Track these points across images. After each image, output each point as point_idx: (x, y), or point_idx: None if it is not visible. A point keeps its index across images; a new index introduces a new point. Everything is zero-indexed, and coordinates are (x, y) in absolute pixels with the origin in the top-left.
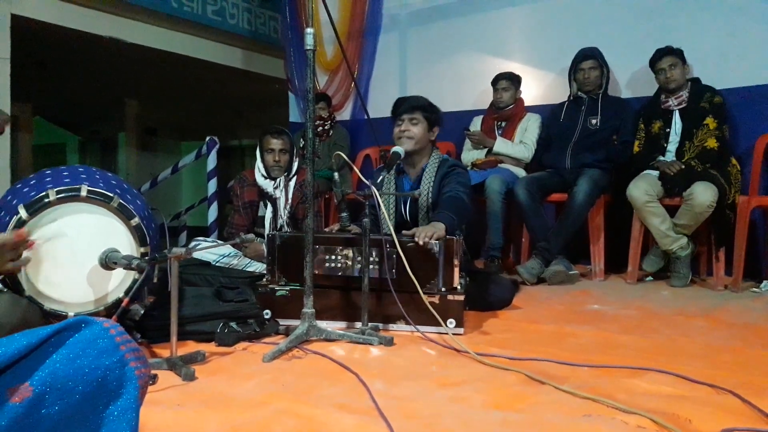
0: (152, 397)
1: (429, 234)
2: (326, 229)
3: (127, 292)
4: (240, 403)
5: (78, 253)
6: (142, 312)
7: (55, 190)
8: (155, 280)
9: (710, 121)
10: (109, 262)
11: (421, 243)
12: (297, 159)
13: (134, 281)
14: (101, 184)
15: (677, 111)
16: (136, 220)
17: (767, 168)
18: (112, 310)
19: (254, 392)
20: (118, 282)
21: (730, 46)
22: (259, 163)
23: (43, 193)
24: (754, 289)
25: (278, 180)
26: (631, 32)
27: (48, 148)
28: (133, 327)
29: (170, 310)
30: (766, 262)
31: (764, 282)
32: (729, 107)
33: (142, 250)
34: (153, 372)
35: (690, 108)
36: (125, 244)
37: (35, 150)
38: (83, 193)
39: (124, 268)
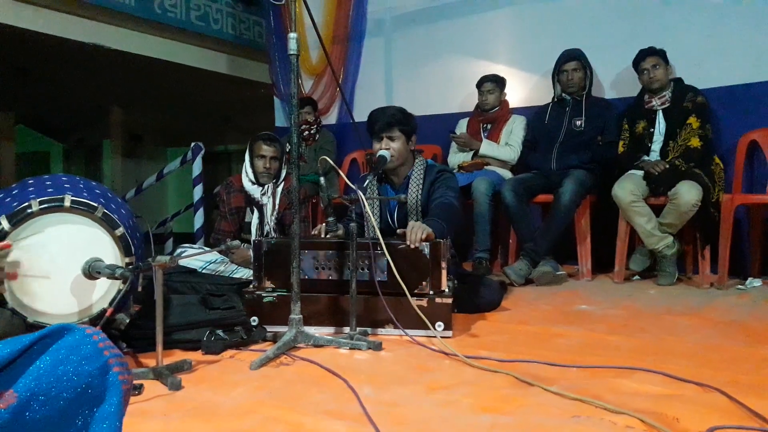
0: (138, 407)
1: (420, 236)
2: (314, 231)
3: (111, 302)
4: (227, 412)
5: (62, 263)
6: (128, 321)
7: (39, 200)
8: (140, 289)
9: (693, 121)
10: (92, 271)
11: (412, 247)
12: (285, 165)
13: (119, 291)
14: (85, 194)
15: (661, 111)
16: (120, 230)
17: (750, 166)
18: (96, 320)
19: (242, 400)
20: (103, 292)
21: (711, 47)
22: (247, 168)
23: (26, 204)
24: (740, 286)
25: (266, 186)
26: (613, 33)
27: (31, 156)
28: (119, 337)
29: (156, 319)
30: (750, 260)
31: (749, 279)
32: (711, 107)
33: (127, 260)
34: (139, 382)
35: (673, 108)
36: (110, 254)
37: (18, 158)
38: (67, 204)
39: (108, 278)
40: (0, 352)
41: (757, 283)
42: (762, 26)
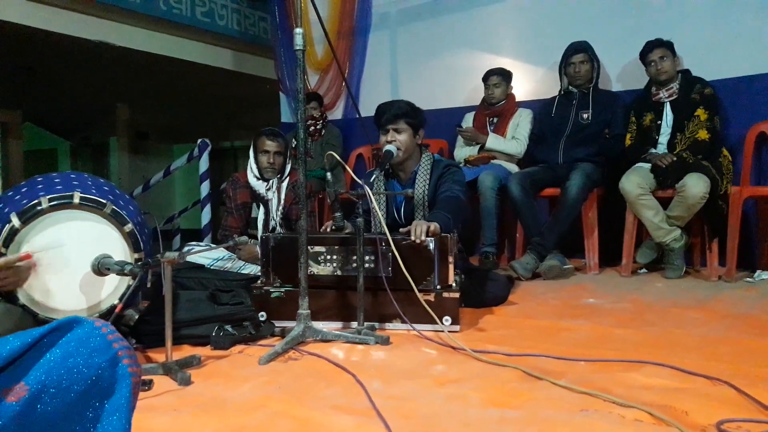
0: (148, 402)
1: (424, 230)
2: (322, 229)
3: (121, 298)
4: (236, 407)
5: (71, 260)
6: (137, 317)
7: (48, 197)
8: (149, 285)
9: (701, 113)
10: (101, 268)
11: (417, 242)
12: (290, 160)
13: (128, 287)
14: (94, 191)
15: (668, 103)
16: (129, 226)
17: (758, 158)
18: (106, 316)
19: (251, 395)
20: (112, 288)
21: (719, 38)
22: (252, 164)
23: (36, 201)
24: (748, 279)
25: (271, 182)
26: (620, 25)
27: (39, 153)
28: (128, 332)
29: (165, 314)
30: (759, 252)
31: (758, 272)
32: (719, 98)
33: (136, 256)
34: (148, 377)
35: (681, 100)
36: (119, 250)
37: (26, 156)
38: (76, 200)
39: (117, 274)
40: (11, 345)
41: (765, 275)
42: None
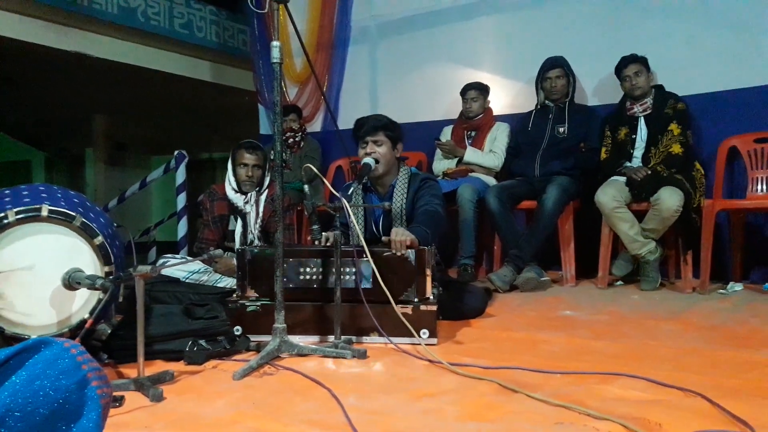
0: (119, 419)
1: (404, 242)
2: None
3: (91, 313)
4: (210, 423)
5: (40, 274)
6: (109, 332)
7: (15, 210)
8: (121, 299)
9: (674, 127)
10: (72, 282)
11: (398, 254)
12: (269, 173)
13: (99, 301)
14: (63, 203)
15: (642, 117)
16: (99, 239)
17: (730, 172)
18: (76, 331)
19: (224, 411)
20: (83, 302)
21: (692, 54)
22: (230, 176)
23: (2, 214)
24: (721, 290)
25: (249, 195)
26: (596, 41)
27: (13, 165)
28: (100, 347)
29: (137, 329)
30: (731, 264)
31: (731, 283)
32: (692, 113)
33: (106, 269)
34: (120, 393)
35: (654, 114)
36: (89, 263)
37: None
38: (44, 213)
39: (88, 288)
40: None
41: (738, 287)
42: (741, 34)
